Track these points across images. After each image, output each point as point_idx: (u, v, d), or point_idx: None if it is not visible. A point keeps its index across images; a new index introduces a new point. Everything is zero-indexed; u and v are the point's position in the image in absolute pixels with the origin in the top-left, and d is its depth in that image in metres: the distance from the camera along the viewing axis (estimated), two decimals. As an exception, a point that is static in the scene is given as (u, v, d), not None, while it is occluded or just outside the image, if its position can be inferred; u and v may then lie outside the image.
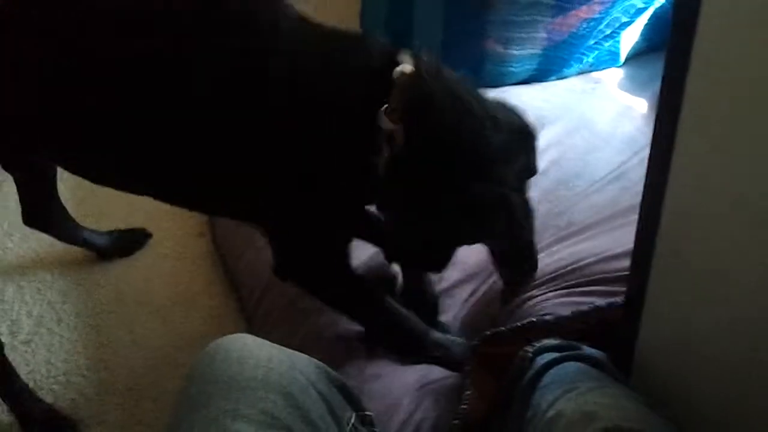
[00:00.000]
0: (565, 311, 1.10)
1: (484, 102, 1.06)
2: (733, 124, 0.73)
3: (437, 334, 1.19)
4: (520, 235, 1.10)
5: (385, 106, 0.98)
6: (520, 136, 1.11)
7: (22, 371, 1.33)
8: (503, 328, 1.09)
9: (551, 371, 0.96)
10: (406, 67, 1.00)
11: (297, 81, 1.01)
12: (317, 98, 1.00)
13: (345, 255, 1.14)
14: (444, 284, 1.30)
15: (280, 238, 1.13)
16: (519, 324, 1.08)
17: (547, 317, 1.09)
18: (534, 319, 1.09)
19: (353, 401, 0.85)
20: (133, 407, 1.31)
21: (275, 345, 0.85)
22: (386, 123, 0.98)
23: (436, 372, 1.16)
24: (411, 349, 1.16)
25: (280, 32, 1.03)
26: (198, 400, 0.76)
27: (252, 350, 0.81)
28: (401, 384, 1.14)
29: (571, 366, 0.97)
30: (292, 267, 1.15)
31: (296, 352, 0.85)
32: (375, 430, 0.87)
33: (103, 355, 1.41)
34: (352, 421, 0.83)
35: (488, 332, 1.09)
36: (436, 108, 1.00)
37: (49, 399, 1.32)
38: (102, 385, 1.35)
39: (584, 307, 1.09)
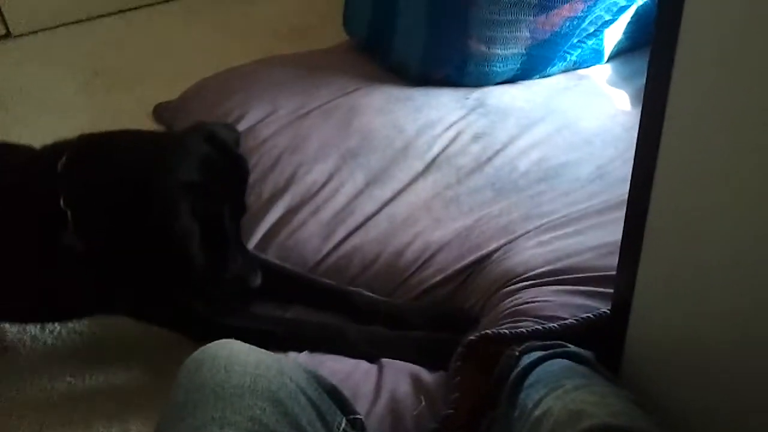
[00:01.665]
0: (568, 315, 1.09)
1: (151, 152, 1.18)
2: (719, 121, 0.73)
3: (371, 332, 1.24)
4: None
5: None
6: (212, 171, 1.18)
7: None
8: (506, 331, 1.08)
9: (537, 369, 0.96)
10: (63, 159, 1.19)
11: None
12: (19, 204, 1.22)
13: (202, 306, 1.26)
14: (423, 286, 1.30)
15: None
16: (525, 330, 1.07)
17: (554, 326, 1.08)
18: (540, 327, 1.08)
19: (343, 405, 0.85)
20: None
21: (263, 350, 0.84)
22: (64, 206, 1.15)
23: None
24: (340, 350, 1.22)
25: None
26: (184, 408, 0.75)
27: (239, 356, 0.80)
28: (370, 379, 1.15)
29: (557, 363, 0.96)
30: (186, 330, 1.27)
31: (285, 357, 0.85)
32: None
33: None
34: (342, 426, 0.83)
35: (489, 331, 1.08)
36: (91, 185, 1.17)
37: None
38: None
39: (590, 314, 1.08)
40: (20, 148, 1.36)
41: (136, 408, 1.29)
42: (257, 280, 1.25)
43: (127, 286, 1.23)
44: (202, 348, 0.83)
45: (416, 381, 1.14)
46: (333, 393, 0.84)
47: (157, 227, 1.11)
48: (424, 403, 1.09)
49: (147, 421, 1.26)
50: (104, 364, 1.38)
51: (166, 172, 1.13)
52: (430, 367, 1.18)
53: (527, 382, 0.94)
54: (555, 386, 0.89)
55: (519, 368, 0.98)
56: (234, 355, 0.80)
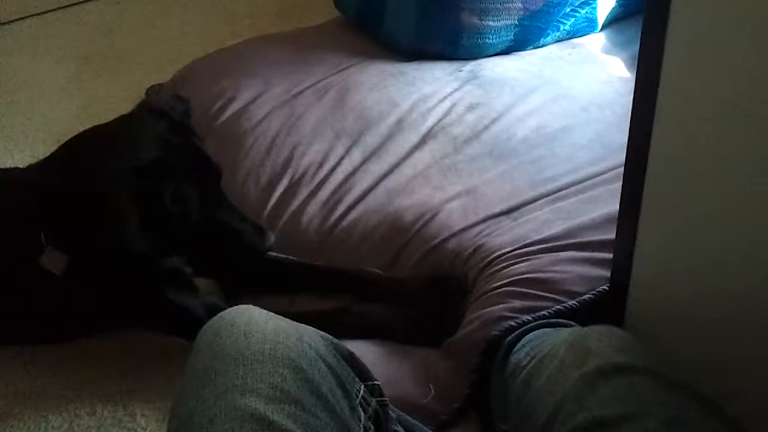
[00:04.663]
0: (585, 290, 1.10)
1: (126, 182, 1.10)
2: (714, 85, 0.73)
3: (365, 313, 1.24)
4: None
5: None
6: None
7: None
8: (529, 317, 1.07)
9: (528, 336, 0.99)
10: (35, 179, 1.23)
11: None
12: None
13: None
14: (428, 245, 1.29)
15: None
16: (547, 313, 1.08)
17: (574, 303, 1.09)
18: (562, 308, 1.08)
19: (361, 372, 0.84)
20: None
21: (282, 317, 0.83)
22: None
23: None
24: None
25: None
26: (205, 375, 0.75)
27: (258, 323, 0.80)
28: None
29: (546, 331, 0.99)
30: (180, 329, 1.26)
31: (303, 325, 0.83)
32: (385, 399, 0.86)
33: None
34: (361, 393, 0.83)
35: (513, 323, 1.07)
36: (56, 198, 1.15)
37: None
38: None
39: (604, 286, 1.09)
40: (6, 172, 1.39)
41: (139, 391, 1.29)
42: (269, 240, 1.23)
43: (112, 296, 1.23)
44: (220, 314, 0.82)
45: (426, 367, 1.14)
46: (350, 360, 0.84)
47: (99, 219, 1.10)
48: (433, 392, 1.09)
49: (151, 403, 1.26)
50: (106, 349, 1.38)
51: (101, 168, 1.11)
52: (428, 344, 1.18)
53: (518, 346, 0.96)
54: (543, 341, 0.91)
55: (512, 335, 1.00)
56: (253, 321, 0.80)
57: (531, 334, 0.98)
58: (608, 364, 0.79)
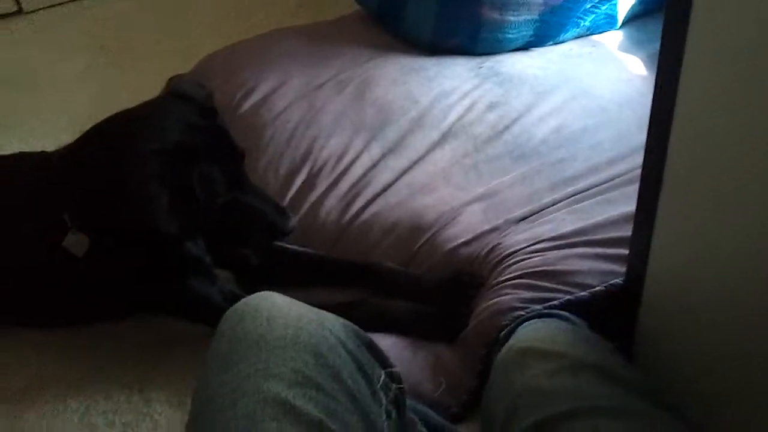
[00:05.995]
0: (597, 283, 1.10)
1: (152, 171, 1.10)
2: (735, 84, 0.72)
3: (381, 308, 1.25)
4: None
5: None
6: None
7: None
8: (538, 307, 1.08)
9: (520, 328, 1.01)
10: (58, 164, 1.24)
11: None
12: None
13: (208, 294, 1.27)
14: (448, 246, 1.30)
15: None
16: (558, 302, 1.08)
17: (584, 294, 1.09)
18: (572, 298, 1.09)
19: (381, 359, 0.86)
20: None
21: (303, 304, 0.85)
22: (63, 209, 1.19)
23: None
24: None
25: None
26: (229, 359, 0.77)
27: (281, 309, 0.81)
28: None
29: (540, 321, 1.01)
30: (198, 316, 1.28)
31: (324, 312, 0.85)
32: (403, 386, 0.88)
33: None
34: (382, 378, 0.84)
35: (522, 312, 1.08)
36: (81, 184, 1.17)
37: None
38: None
39: (618, 280, 1.09)
40: (33, 156, 1.40)
41: (154, 377, 1.31)
42: (291, 221, 1.23)
43: (135, 283, 1.25)
44: (244, 300, 0.84)
45: (437, 360, 1.15)
46: (371, 346, 0.85)
47: (127, 203, 1.10)
48: (444, 386, 1.10)
49: (165, 389, 1.29)
50: (122, 335, 1.40)
51: (131, 151, 1.11)
52: (443, 339, 1.19)
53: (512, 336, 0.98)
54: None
55: (510, 326, 1.03)
56: (276, 307, 0.81)
57: (525, 324, 0.99)
58: (553, 363, 0.81)
